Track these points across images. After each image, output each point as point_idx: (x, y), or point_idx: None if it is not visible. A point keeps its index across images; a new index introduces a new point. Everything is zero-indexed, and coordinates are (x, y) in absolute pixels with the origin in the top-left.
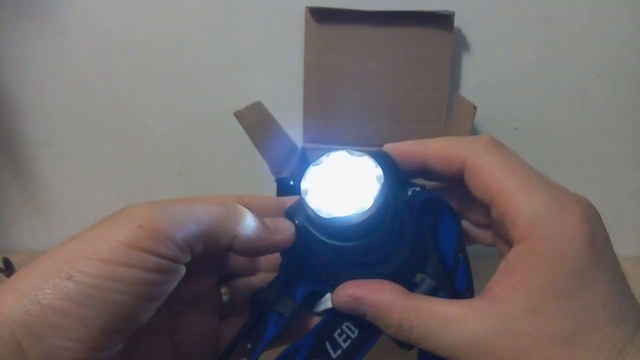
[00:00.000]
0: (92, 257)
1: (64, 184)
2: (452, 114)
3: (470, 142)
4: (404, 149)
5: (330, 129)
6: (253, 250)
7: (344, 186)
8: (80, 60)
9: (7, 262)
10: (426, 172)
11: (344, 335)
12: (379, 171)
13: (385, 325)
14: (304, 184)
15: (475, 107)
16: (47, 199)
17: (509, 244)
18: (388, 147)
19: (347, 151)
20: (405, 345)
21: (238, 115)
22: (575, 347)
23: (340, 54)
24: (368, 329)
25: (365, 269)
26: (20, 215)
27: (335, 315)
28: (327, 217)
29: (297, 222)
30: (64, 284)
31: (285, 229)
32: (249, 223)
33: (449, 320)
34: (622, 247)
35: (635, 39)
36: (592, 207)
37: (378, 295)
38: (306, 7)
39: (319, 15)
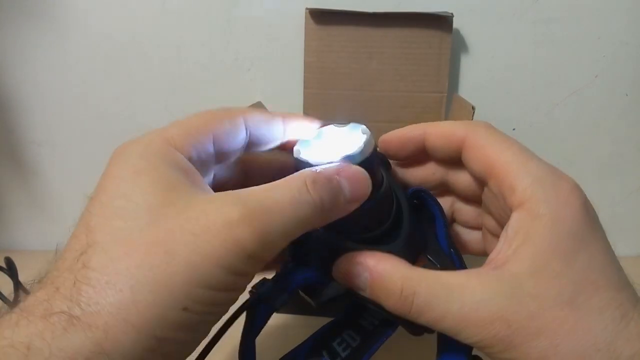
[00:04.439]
0: (204, 284)
1: (65, 184)
2: (450, 114)
3: (468, 123)
4: (403, 132)
5: None
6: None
7: (333, 144)
8: (80, 60)
9: (8, 261)
10: (423, 154)
11: (344, 344)
12: (364, 128)
13: (386, 292)
14: (295, 148)
15: (474, 108)
16: (48, 198)
17: (504, 220)
18: (385, 138)
19: (333, 125)
20: (416, 328)
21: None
22: (579, 309)
23: (340, 55)
24: (371, 335)
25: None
26: (21, 214)
27: (337, 324)
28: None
29: None
30: (181, 315)
31: (363, 191)
32: (338, 203)
33: (454, 287)
34: (621, 247)
35: (633, 40)
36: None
37: (381, 262)
38: (306, 8)
39: (319, 16)
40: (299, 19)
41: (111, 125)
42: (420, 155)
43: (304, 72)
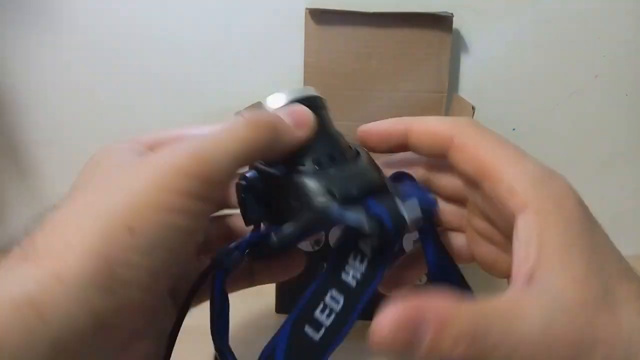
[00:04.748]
0: (150, 205)
1: (65, 184)
2: (450, 114)
3: (454, 121)
4: (384, 126)
5: None
6: (284, 153)
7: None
8: (80, 60)
9: None
10: (404, 149)
11: (327, 310)
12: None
13: (454, 339)
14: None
15: (474, 108)
16: (48, 198)
17: (499, 223)
18: (364, 128)
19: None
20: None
21: (239, 115)
22: (613, 307)
23: (340, 55)
24: (354, 294)
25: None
26: (20, 214)
27: (316, 292)
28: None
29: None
30: (126, 236)
31: (307, 119)
32: (277, 133)
33: (512, 314)
34: (622, 247)
35: (633, 40)
36: None
37: (440, 302)
38: (306, 8)
39: (319, 16)
40: (299, 19)
41: (111, 125)
42: (401, 150)
43: (304, 72)
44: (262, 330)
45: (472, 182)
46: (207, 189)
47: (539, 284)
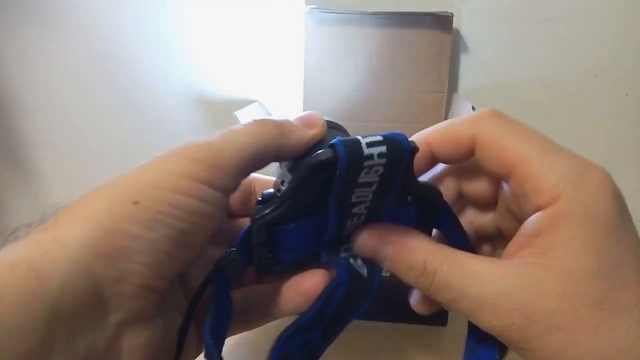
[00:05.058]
0: (156, 185)
1: (65, 184)
2: (450, 114)
3: (474, 118)
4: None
5: None
6: (296, 152)
7: None
8: (80, 60)
9: None
10: (433, 162)
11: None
12: None
13: (407, 267)
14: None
15: (474, 108)
16: (48, 199)
17: (523, 218)
18: None
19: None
20: (437, 316)
21: (238, 115)
22: (607, 308)
23: (340, 55)
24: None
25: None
26: (20, 214)
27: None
28: None
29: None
30: (130, 208)
31: (316, 120)
32: (286, 130)
33: (476, 271)
34: None
35: (633, 39)
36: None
37: (404, 236)
38: (306, 8)
39: (319, 16)
40: (299, 19)
41: (111, 126)
42: (430, 167)
43: (304, 71)
44: None
45: (502, 179)
46: (214, 175)
47: (525, 267)
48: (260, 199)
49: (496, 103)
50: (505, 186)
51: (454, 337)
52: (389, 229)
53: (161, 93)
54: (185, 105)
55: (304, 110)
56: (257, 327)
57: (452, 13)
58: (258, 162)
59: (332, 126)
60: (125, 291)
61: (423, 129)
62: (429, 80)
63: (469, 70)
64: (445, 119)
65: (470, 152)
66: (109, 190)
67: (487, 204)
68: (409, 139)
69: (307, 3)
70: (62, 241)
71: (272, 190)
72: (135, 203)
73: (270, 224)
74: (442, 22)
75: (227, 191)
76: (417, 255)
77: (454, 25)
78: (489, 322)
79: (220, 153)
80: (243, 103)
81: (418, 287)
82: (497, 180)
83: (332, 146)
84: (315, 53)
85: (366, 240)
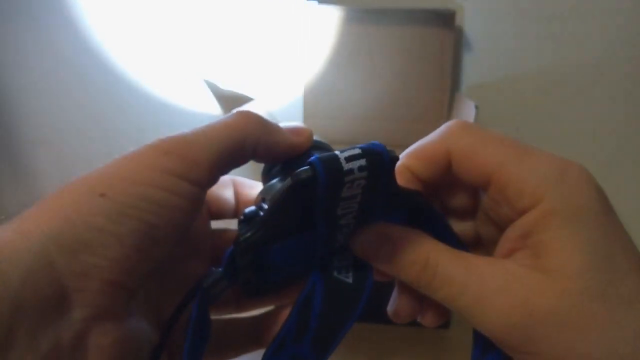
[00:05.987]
0: (125, 177)
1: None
2: (453, 113)
3: (445, 133)
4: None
5: (330, 128)
6: (276, 153)
7: None
8: (80, 60)
9: None
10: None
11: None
12: None
13: (409, 262)
14: None
15: (477, 107)
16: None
17: (504, 223)
18: None
19: None
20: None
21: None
22: (609, 301)
23: (340, 54)
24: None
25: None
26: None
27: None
28: None
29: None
30: (97, 201)
31: (303, 130)
32: (268, 127)
33: (476, 266)
34: None
35: (637, 38)
36: None
37: (405, 233)
38: (306, 5)
39: (319, 15)
40: (299, 18)
41: (110, 126)
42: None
43: (304, 70)
44: None
45: (481, 188)
46: (188, 167)
47: (520, 268)
48: (242, 217)
49: (499, 101)
50: (483, 194)
51: (457, 339)
52: (388, 227)
53: (161, 93)
54: (185, 105)
55: (304, 111)
56: (231, 358)
57: (454, 10)
58: (236, 155)
59: (318, 146)
60: (90, 286)
61: (425, 128)
62: (431, 78)
63: (472, 68)
64: (448, 117)
65: (447, 167)
66: (78, 183)
67: (466, 213)
68: (388, 149)
69: (306, 1)
70: (24, 232)
71: (254, 207)
72: (102, 195)
73: (253, 246)
74: (444, 19)
75: (202, 185)
76: (419, 250)
77: (457, 22)
78: (490, 321)
79: (194, 145)
80: (242, 101)
81: (419, 285)
82: (474, 189)
83: (310, 164)
84: (316, 50)
85: (366, 240)
